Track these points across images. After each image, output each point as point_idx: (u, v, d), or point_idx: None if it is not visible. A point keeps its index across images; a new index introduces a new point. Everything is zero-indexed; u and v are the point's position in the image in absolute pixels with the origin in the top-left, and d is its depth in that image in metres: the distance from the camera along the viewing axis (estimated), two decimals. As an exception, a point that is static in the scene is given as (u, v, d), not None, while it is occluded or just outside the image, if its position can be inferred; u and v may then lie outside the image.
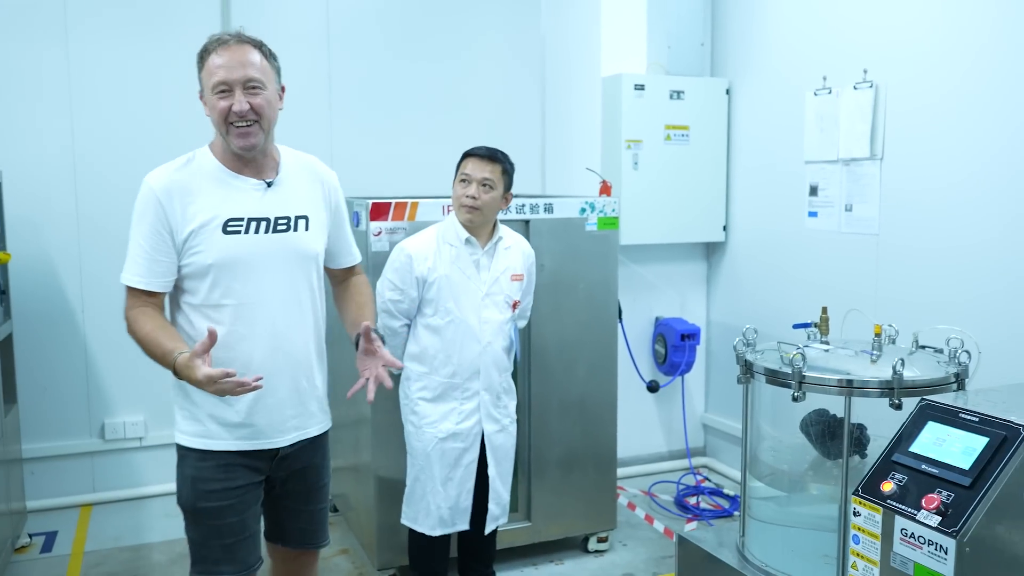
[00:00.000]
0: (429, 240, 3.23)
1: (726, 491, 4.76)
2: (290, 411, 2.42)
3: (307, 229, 2.43)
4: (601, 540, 4.06)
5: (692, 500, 4.66)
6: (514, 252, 3.32)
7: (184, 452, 2.37)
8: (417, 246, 3.21)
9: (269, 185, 2.37)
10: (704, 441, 5.27)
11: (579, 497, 3.98)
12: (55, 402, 4.55)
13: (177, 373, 2.18)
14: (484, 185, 3.14)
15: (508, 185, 3.23)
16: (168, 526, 4.34)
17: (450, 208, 3.29)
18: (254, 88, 2.26)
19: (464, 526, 3.29)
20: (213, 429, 2.34)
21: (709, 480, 4.97)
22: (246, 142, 2.27)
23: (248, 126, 2.26)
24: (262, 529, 2.56)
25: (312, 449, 2.51)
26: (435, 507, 3.24)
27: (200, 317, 2.32)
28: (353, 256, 2.67)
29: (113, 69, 4.54)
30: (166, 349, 2.20)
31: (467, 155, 3.22)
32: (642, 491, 4.81)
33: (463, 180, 3.17)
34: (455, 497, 3.25)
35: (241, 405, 2.33)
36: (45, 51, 4.42)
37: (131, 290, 2.30)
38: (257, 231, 2.33)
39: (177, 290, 2.35)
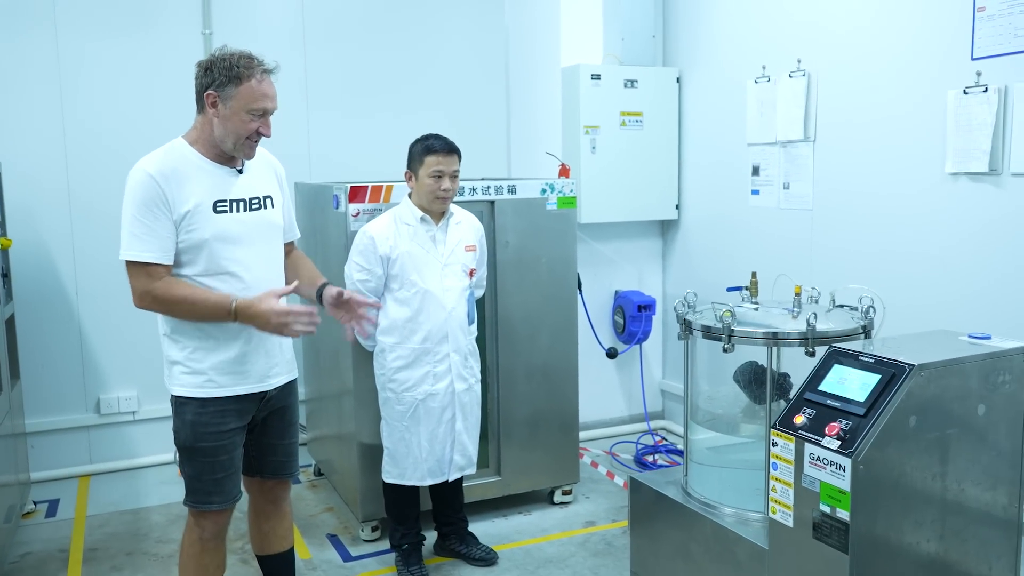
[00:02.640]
0: (388, 222, 3.57)
1: (680, 447, 5.16)
2: (276, 359, 2.84)
3: (273, 207, 2.86)
4: (565, 493, 4.45)
5: (650, 458, 5.07)
6: (465, 226, 3.67)
7: (185, 401, 2.73)
8: (378, 228, 3.55)
9: (240, 172, 2.76)
10: (662, 405, 5.67)
11: (545, 454, 4.35)
12: (52, 379, 4.84)
13: (238, 315, 2.58)
14: (454, 177, 3.50)
15: None
16: (164, 492, 4.67)
17: None
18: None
19: (449, 475, 3.65)
20: (216, 379, 2.71)
21: (666, 440, 5.37)
22: (253, 153, 2.72)
23: (257, 143, 2.71)
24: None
25: (288, 391, 2.94)
26: (423, 461, 3.60)
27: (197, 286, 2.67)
28: (296, 231, 3.07)
29: (100, 61, 4.80)
30: (218, 300, 2.60)
31: (429, 151, 3.47)
32: (604, 451, 5.20)
33: (436, 176, 3.47)
34: (440, 450, 3.62)
35: (240, 356, 2.72)
36: (35, 45, 4.68)
37: (143, 268, 2.59)
38: (239, 210, 2.73)
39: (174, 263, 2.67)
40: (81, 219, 4.82)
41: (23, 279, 4.62)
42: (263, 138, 2.71)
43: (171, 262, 2.63)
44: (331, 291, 2.88)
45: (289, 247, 3.01)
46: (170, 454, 4.99)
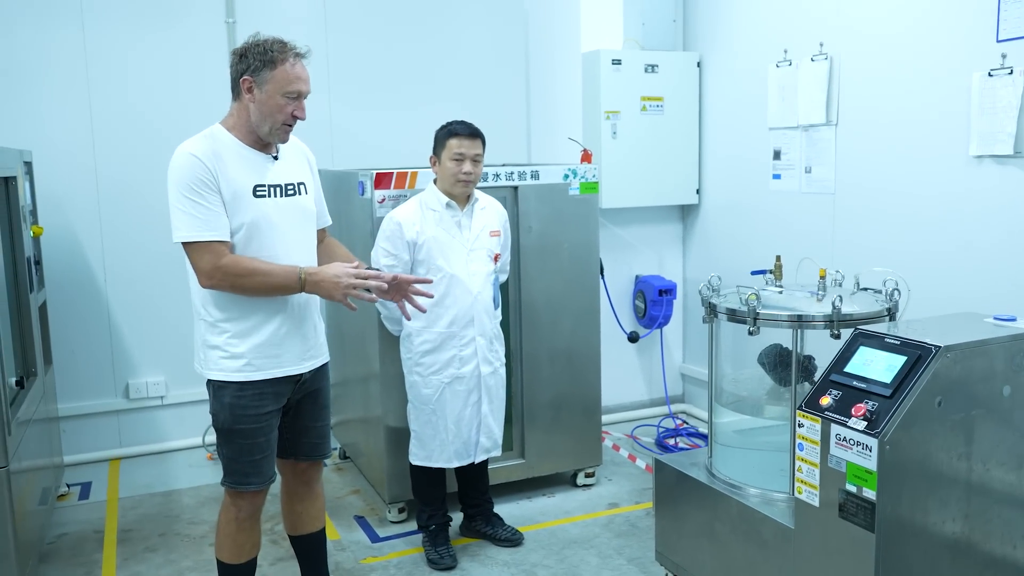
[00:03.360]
0: (414, 208, 3.62)
1: (702, 430, 5.21)
2: (311, 342, 2.91)
3: (306, 192, 2.91)
4: (588, 475, 4.50)
5: (671, 441, 5.11)
6: (489, 212, 3.71)
7: (223, 385, 2.78)
8: (404, 214, 3.60)
9: (275, 159, 2.82)
10: (683, 389, 5.70)
11: (568, 437, 4.40)
12: (82, 364, 4.93)
13: (306, 283, 2.67)
14: (476, 161, 3.53)
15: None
16: (193, 475, 4.75)
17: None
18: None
19: (475, 457, 3.71)
20: (254, 363, 2.76)
21: (687, 423, 5.41)
22: (288, 137, 2.79)
23: (292, 127, 2.75)
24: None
25: (321, 374, 3.01)
26: (450, 443, 3.65)
27: None
28: (328, 218, 3.12)
29: (126, 50, 4.87)
30: (286, 269, 2.68)
31: (452, 134, 3.52)
32: (625, 434, 5.25)
33: (457, 159, 3.51)
34: (467, 432, 3.67)
35: (278, 340, 2.78)
36: (63, 37, 4.74)
37: (205, 247, 2.62)
38: (275, 195, 2.79)
39: None
40: (109, 207, 4.89)
41: (53, 266, 4.70)
42: (297, 122, 2.75)
43: (229, 239, 2.67)
44: (384, 276, 2.86)
45: (322, 234, 3.07)
46: (198, 438, 5.08)
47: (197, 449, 5.07)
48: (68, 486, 4.58)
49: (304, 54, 2.72)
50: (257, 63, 2.65)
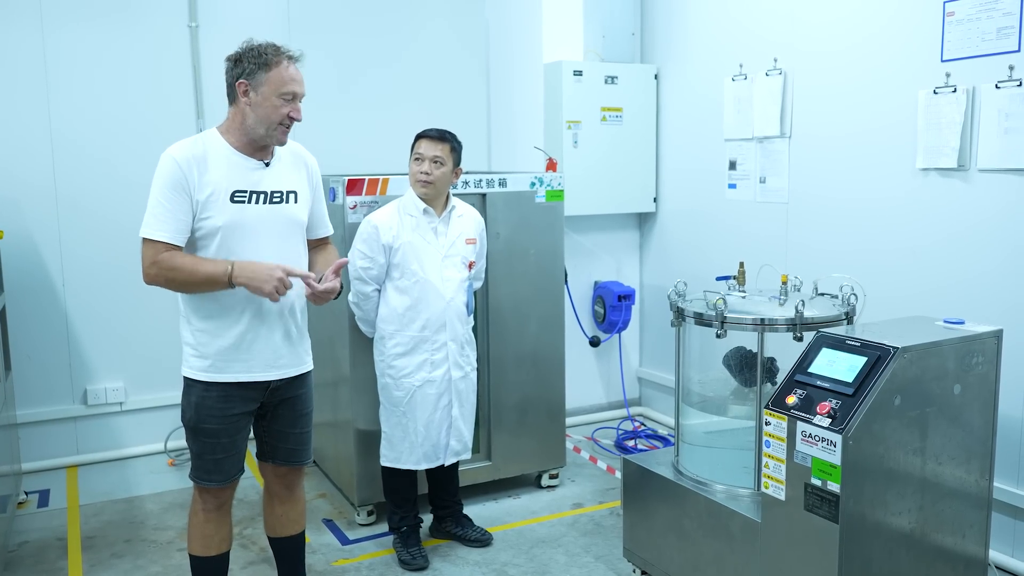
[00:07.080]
0: (391, 212, 3.68)
1: (660, 432, 5.36)
2: (283, 350, 2.92)
3: (296, 202, 2.93)
4: (552, 476, 4.60)
5: (630, 443, 5.24)
6: (467, 219, 3.80)
7: (192, 383, 2.85)
8: (382, 218, 3.66)
9: (267, 165, 2.86)
10: (639, 392, 5.85)
11: (533, 439, 4.49)
12: (39, 370, 4.84)
13: (233, 278, 2.67)
14: (435, 162, 3.60)
15: (457, 161, 3.70)
16: (155, 481, 4.71)
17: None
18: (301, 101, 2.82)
19: (445, 459, 3.77)
20: (219, 364, 2.81)
21: (644, 425, 5.55)
22: (285, 139, 2.83)
23: (289, 128, 2.80)
24: (248, 447, 3.03)
25: (300, 383, 3.03)
26: (419, 446, 3.71)
27: None
28: (327, 228, 3.15)
29: (86, 54, 4.80)
30: (215, 267, 2.69)
31: (420, 136, 3.67)
32: (586, 437, 5.36)
33: (417, 159, 3.63)
34: (436, 435, 3.73)
35: (244, 344, 2.82)
36: (21, 37, 4.66)
37: (154, 244, 2.69)
38: (257, 202, 2.82)
39: (188, 247, 2.78)
40: (67, 211, 4.82)
41: (9, 270, 4.61)
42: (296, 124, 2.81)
43: (181, 244, 2.73)
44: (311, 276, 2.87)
45: (320, 243, 3.10)
46: (159, 444, 5.04)
47: (158, 455, 5.02)
48: (26, 493, 4.50)
49: (298, 57, 2.79)
50: (252, 66, 2.71)
